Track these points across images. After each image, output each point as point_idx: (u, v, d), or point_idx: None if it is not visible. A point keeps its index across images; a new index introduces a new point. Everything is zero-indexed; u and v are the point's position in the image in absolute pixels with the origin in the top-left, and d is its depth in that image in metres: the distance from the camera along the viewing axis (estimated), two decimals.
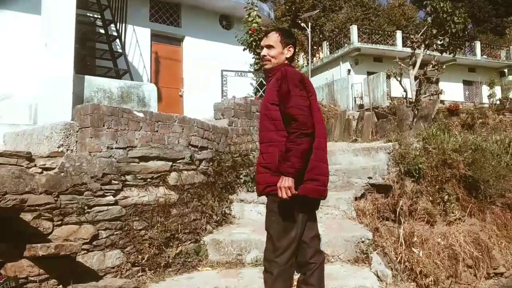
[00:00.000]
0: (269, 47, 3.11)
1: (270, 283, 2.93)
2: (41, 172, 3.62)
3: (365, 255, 4.38)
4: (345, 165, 6.37)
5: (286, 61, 3.12)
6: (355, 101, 21.33)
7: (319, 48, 28.12)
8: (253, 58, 10.16)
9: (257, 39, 9.56)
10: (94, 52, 8.67)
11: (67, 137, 4.08)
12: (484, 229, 6.32)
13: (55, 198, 3.59)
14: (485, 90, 25.31)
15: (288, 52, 3.12)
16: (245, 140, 6.56)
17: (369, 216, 5.52)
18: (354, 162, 6.61)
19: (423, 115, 7.58)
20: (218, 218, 5.12)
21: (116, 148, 4.16)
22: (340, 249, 4.47)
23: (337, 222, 5.09)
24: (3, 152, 3.48)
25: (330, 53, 25.83)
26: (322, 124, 3.14)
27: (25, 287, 3.27)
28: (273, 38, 3.11)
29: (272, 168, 2.89)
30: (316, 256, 3.07)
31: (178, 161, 4.69)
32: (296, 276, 3.39)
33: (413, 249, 5.08)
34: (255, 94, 9.85)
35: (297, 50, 3.27)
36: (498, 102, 21.88)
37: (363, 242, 4.47)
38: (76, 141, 4.13)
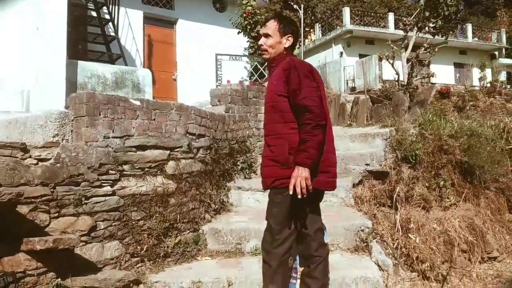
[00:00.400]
0: (267, 36, 3.02)
1: (269, 275, 2.90)
2: (37, 163, 3.53)
3: (365, 244, 4.37)
4: (342, 151, 6.33)
5: (284, 51, 3.03)
6: (347, 83, 21.27)
7: (311, 30, 27.89)
8: (247, 41, 10.03)
9: (251, 22, 9.43)
10: (86, 36, 8.47)
11: (62, 126, 3.98)
12: (479, 214, 6.35)
13: (52, 190, 3.51)
14: (476, 72, 25.34)
15: (287, 42, 3.02)
16: (242, 126, 6.49)
17: (366, 203, 5.51)
18: (351, 148, 6.57)
19: (419, 101, 7.53)
20: (217, 206, 5.08)
21: (112, 137, 4.07)
22: (339, 238, 4.45)
23: (335, 210, 5.08)
24: None
25: (322, 35, 25.66)
26: (328, 115, 3.09)
27: (23, 281, 3.20)
28: (271, 27, 3.02)
29: (281, 161, 2.83)
30: (320, 249, 3.04)
31: (175, 150, 4.62)
32: (300, 268, 3.38)
33: (409, 235, 5.09)
34: (250, 78, 9.75)
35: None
36: (488, 84, 21.93)
37: (362, 230, 4.46)
38: (72, 131, 4.03)
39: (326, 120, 2.77)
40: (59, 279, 3.38)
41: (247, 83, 9.22)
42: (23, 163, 3.41)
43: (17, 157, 3.42)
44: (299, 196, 2.66)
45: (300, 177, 2.65)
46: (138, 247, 4.02)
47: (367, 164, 5.91)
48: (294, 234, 2.91)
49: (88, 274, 3.48)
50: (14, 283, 3.14)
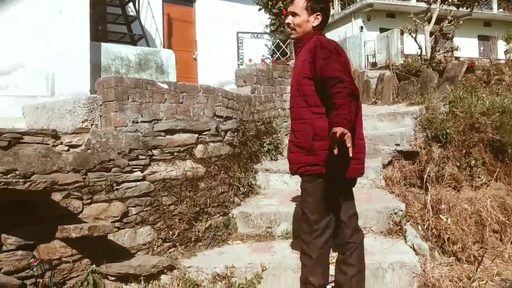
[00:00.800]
0: (294, 14, 2.91)
1: (310, 267, 2.84)
2: (68, 150, 3.50)
3: (399, 227, 4.28)
4: (370, 131, 6.19)
5: (313, 30, 2.91)
6: (367, 59, 20.88)
7: (330, 4, 27.33)
8: (269, 18, 9.82)
9: None
10: (105, 17, 8.35)
11: (91, 112, 3.93)
12: (510, 193, 6.21)
13: (83, 176, 3.49)
14: (501, 45, 24.58)
15: (316, 20, 2.89)
16: (268, 107, 6.38)
17: (397, 184, 5.42)
18: (379, 127, 6.43)
19: (449, 77, 7.31)
20: (245, 189, 5.03)
21: (141, 122, 4.01)
22: (372, 221, 4.37)
23: (366, 192, 4.99)
24: (28, 130, 3.35)
25: (342, 9, 25.17)
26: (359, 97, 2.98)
27: (59, 268, 3.22)
28: (299, 4, 2.90)
29: (305, 147, 2.76)
30: (355, 235, 2.98)
31: (204, 133, 4.55)
32: (334, 254, 3.33)
33: (440, 216, 5.00)
34: (271, 56, 9.59)
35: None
36: None
37: (395, 213, 4.36)
38: (100, 116, 3.97)
39: (358, 93, 2.65)
40: (94, 266, 3.39)
41: (268, 61, 9.08)
42: (54, 150, 3.39)
43: (48, 144, 3.39)
44: (349, 145, 2.36)
45: (341, 132, 2.34)
46: (170, 232, 4.00)
47: (397, 144, 5.78)
48: (333, 223, 2.84)
49: (121, 260, 3.48)
50: (50, 270, 3.16)
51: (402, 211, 4.37)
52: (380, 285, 3.58)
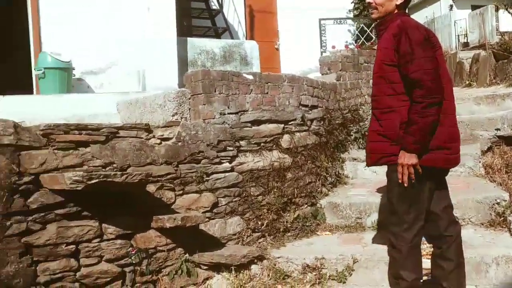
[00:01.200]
0: None
1: (401, 261, 2.69)
2: (160, 143, 3.61)
3: (502, 218, 3.94)
4: (465, 115, 5.79)
5: (396, 9, 2.70)
6: (458, 39, 19.63)
7: None
8: (352, 2, 9.53)
9: None
10: (190, 12, 8.58)
11: (180, 105, 4.04)
12: None
13: (175, 168, 3.59)
14: None
15: None
16: (354, 94, 6.20)
17: (497, 172, 5.02)
18: (476, 111, 6.00)
19: None
20: (332, 179, 4.93)
21: (228, 113, 4.06)
22: (471, 212, 4.08)
23: (463, 181, 4.67)
24: (124, 125, 3.50)
25: None
26: (450, 82, 2.76)
27: (155, 257, 3.36)
28: None
29: (392, 137, 2.59)
30: (451, 227, 2.79)
31: (289, 123, 4.51)
32: (423, 246, 3.16)
33: None
34: (355, 42, 9.32)
35: None
36: None
37: (498, 203, 4.02)
38: (189, 109, 4.08)
39: (441, 95, 2.47)
40: (187, 255, 3.49)
41: (352, 47, 8.84)
42: (148, 143, 3.51)
43: (142, 138, 3.53)
44: (405, 185, 2.52)
45: (407, 164, 2.48)
46: (259, 222, 4.03)
47: (497, 129, 5.36)
48: (423, 215, 2.67)
49: (213, 250, 3.55)
50: (147, 259, 3.30)
51: (505, 201, 4.03)
52: (483, 280, 3.33)
